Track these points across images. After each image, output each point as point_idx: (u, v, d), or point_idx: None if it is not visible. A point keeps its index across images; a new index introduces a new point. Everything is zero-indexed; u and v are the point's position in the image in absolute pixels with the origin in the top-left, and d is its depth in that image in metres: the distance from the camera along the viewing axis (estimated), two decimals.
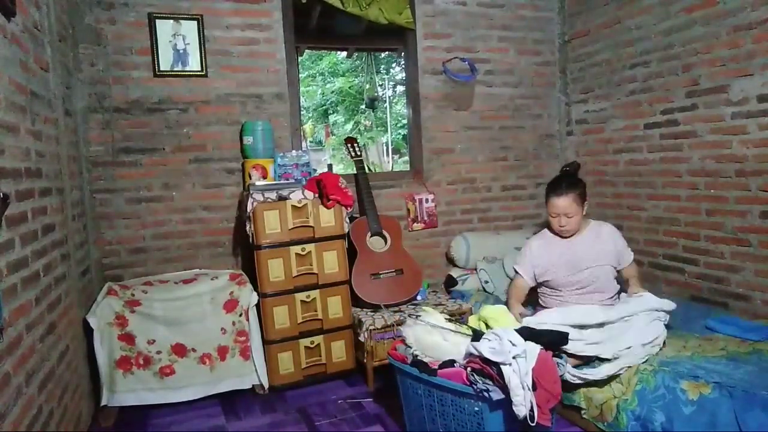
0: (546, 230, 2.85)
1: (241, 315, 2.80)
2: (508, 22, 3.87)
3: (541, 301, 2.86)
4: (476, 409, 1.96)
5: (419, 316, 2.38)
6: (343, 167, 9.88)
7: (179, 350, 2.70)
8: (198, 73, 3.17)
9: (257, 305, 2.85)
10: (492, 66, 3.86)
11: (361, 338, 2.87)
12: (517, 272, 2.83)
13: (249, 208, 2.82)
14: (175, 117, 3.17)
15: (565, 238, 2.74)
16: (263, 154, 3.18)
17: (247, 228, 2.88)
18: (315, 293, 2.92)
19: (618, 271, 2.77)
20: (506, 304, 2.83)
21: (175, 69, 3.13)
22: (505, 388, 1.88)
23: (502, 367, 1.89)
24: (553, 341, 2.21)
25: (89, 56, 3.00)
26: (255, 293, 2.84)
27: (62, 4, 2.69)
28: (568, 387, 2.29)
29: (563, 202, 2.64)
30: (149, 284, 2.85)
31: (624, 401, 2.16)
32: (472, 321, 2.48)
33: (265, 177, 3.14)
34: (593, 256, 2.67)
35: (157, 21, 3.07)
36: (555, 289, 2.75)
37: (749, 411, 1.83)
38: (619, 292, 2.75)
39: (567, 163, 2.97)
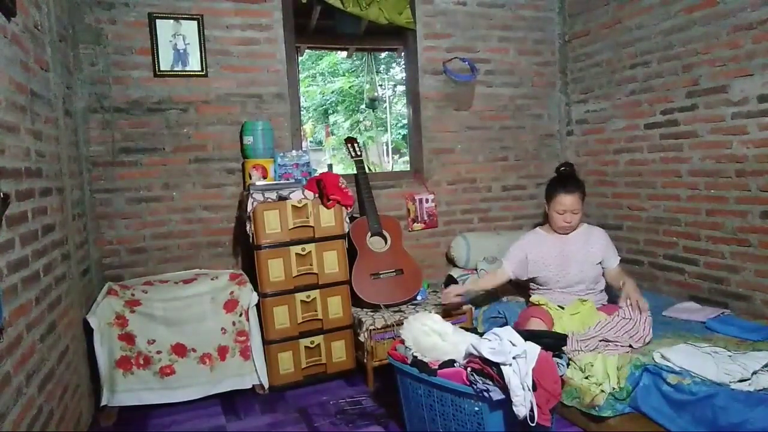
0: (538, 229, 2.94)
1: (241, 315, 2.79)
2: (508, 22, 3.87)
3: (531, 297, 2.91)
4: (476, 409, 1.96)
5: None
6: (343, 167, 9.88)
7: (179, 350, 2.70)
8: (198, 73, 3.17)
9: (257, 305, 2.85)
10: (492, 66, 3.86)
11: (361, 338, 2.87)
12: (503, 263, 2.92)
13: (249, 208, 2.82)
14: (175, 117, 3.17)
15: (560, 234, 2.82)
16: (263, 154, 3.18)
17: (248, 228, 2.88)
18: (315, 293, 2.92)
19: (604, 275, 2.83)
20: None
21: (176, 69, 3.13)
22: (505, 388, 1.88)
23: (502, 367, 1.89)
24: (553, 343, 2.21)
25: (89, 56, 3.00)
26: (255, 293, 2.84)
27: (62, 4, 2.69)
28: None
29: (573, 200, 2.73)
30: (149, 284, 2.85)
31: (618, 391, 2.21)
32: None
33: (265, 177, 3.14)
34: (583, 254, 2.76)
35: (158, 21, 3.07)
36: (543, 285, 2.83)
37: (755, 408, 1.84)
38: (604, 291, 2.85)
39: (562, 164, 2.97)
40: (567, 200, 2.73)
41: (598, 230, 2.88)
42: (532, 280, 2.87)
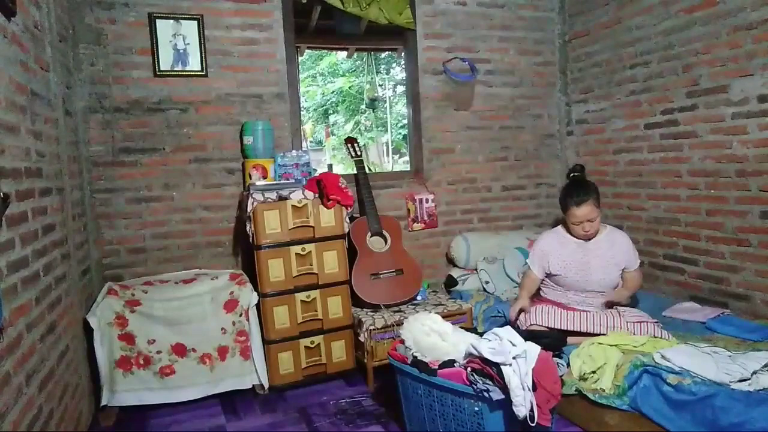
0: (560, 228, 2.84)
1: (241, 315, 2.79)
2: (508, 22, 3.87)
3: (541, 292, 2.88)
4: (476, 409, 1.96)
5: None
6: (343, 167, 9.89)
7: (179, 350, 2.70)
8: (198, 73, 3.17)
9: (257, 305, 2.85)
10: (492, 66, 3.86)
11: (361, 338, 2.87)
12: (529, 266, 2.86)
13: (249, 208, 2.82)
14: (175, 117, 3.17)
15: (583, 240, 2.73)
16: (263, 154, 3.18)
17: (247, 228, 2.88)
18: (315, 293, 2.92)
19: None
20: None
21: (176, 69, 3.13)
22: (505, 389, 1.88)
23: (502, 367, 1.89)
24: (553, 343, 2.22)
25: (89, 56, 3.00)
26: (255, 293, 2.84)
27: (62, 4, 2.69)
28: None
29: (585, 210, 2.63)
30: (149, 284, 2.85)
31: (617, 388, 2.21)
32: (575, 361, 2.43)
33: (265, 177, 3.14)
34: (605, 263, 2.68)
35: (158, 21, 3.07)
36: (560, 285, 2.76)
37: (755, 408, 1.84)
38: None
39: (572, 168, 2.88)
40: (579, 212, 2.63)
41: (620, 234, 2.77)
42: (549, 277, 2.80)
